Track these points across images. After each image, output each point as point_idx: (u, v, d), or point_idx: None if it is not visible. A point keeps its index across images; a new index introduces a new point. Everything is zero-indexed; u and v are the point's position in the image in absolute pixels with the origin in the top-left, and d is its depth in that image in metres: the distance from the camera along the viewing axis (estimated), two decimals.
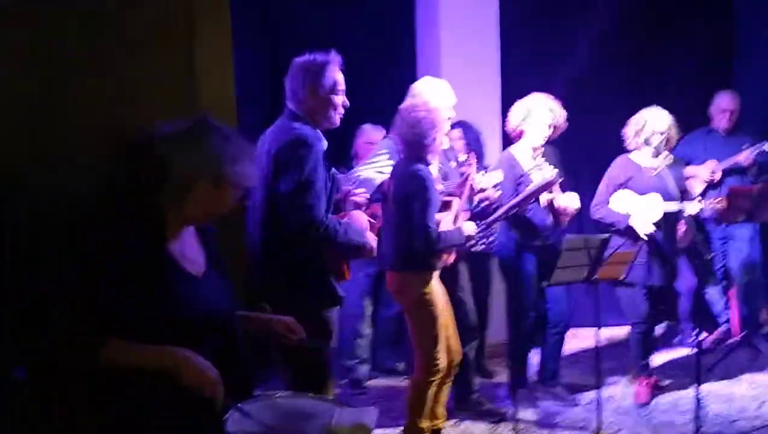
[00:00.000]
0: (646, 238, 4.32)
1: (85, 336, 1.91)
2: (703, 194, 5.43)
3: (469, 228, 3.64)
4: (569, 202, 4.28)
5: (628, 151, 4.64)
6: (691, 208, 4.49)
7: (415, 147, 3.58)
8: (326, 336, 3.01)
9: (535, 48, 5.73)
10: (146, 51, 2.42)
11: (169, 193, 2.01)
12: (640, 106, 4.63)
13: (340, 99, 3.12)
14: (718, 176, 5.40)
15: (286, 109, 3.11)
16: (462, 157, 4.11)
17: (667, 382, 4.84)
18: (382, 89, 4.86)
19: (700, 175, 5.46)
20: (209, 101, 2.51)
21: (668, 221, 4.46)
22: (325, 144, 3.08)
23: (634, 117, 4.57)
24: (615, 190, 4.52)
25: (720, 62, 6.39)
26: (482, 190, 4.06)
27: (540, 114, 4.27)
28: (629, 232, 4.36)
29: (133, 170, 2.09)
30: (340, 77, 3.12)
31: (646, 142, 4.49)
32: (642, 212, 4.37)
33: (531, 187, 4.00)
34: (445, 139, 3.75)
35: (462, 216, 3.78)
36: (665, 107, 4.59)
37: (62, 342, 1.95)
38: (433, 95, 3.89)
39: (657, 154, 4.54)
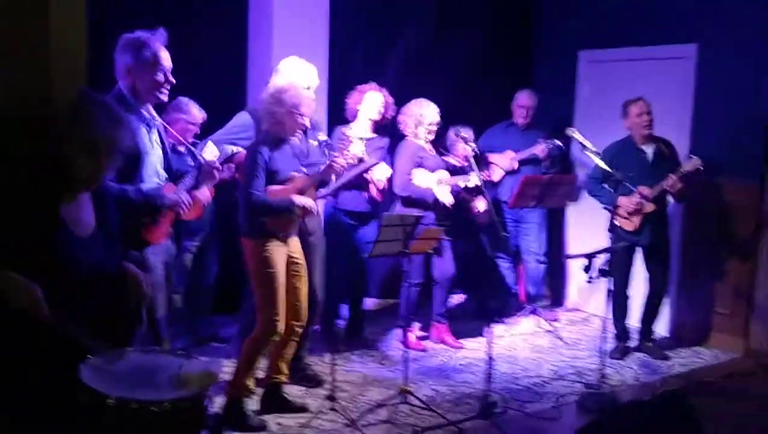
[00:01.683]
0: (449, 205, 5.01)
1: None
2: (501, 180, 6.11)
3: (302, 199, 3.88)
4: (382, 173, 4.81)
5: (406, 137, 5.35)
6: (473, 180, 5.18)
7: (272, 123, 3.82)
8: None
9: (361, 41, 6.03)
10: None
11: (56, 166, 2.13)
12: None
13: (162, 77, 3.27)
14: (516, 165, 6.06)
15: (116, 85, 3.23)
16: (322, 137, 4.36)
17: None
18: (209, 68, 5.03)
19: (501, 163, 6.09)
20: (61, 62, 2.53)
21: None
22: (143, 116, 3.28)
23: (407, 108, 5.29)
24: (411, 169, 5.21)
25: (520, 63, 7.05)
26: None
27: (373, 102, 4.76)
28: (436, 203, 5.05)
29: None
30: (164, 54, 3.27)
31: (420, 132, 5.25)
32: (434, 186, 5.19)
33: (362, 166, 4.32)
34: (306, 120, 3.97)
35: (310, 191, 4.00)
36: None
37: None
38: (296, 75, 4.15)
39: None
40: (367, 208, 5.20)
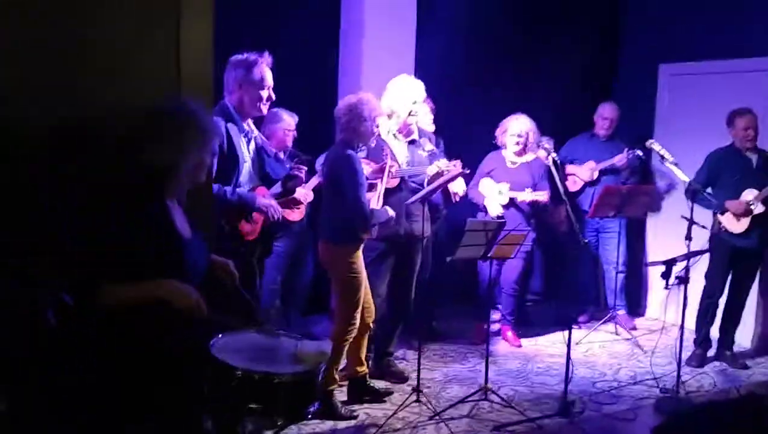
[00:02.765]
0: (496, 217, 5.28)
1: (87, 279, 2.25)
2: (581, 190, 6.28)
3: (391, 210, 4.20)
4: (459, 186, 5.09)
5: (500, 148, 5.70)
6: (522, 196, 5.47)
7: (351, 135, 4.12)
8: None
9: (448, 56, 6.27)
10: (133, 22, 2.69)
11: (165, 168, 2.39)
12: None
13: (266, 93, 3.68)
14: (595, 175, 6.23)
15: (221, 100, 3.64)
16: (429, 147, 4.75)
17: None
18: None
19: (580, 174, 6.27)
20: (189, 76, 2.82)
21: (515, 204, 5.55)
22: (243, 128, 3.66)
23: (502, 122, 5.62)
24: (481, 177, 5.59)
25: (602, 77, 7.20)
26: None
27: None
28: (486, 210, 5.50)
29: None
30: (268, 74, 3.67)
31: (507, 142, 5.57)
32: (493, 196, 5.49)
33: (446, 177, 4.59)
34: (415, 130, 4.46)
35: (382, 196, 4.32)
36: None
37: (70, 285, 2.28)
38: (396, 91, 4.61)
39: (521, 153, 5.58)
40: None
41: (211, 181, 3.17)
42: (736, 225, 5.28)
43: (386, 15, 5.54)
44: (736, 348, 5.68)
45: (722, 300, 5.53)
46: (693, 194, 4.94)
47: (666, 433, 3.86)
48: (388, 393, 4.51)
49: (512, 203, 5.52)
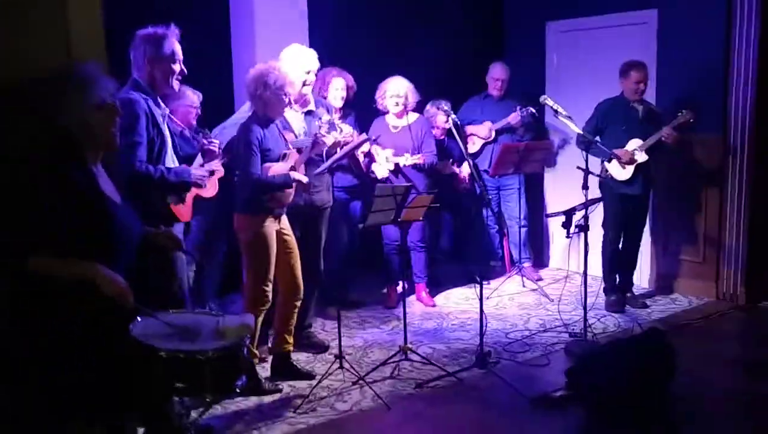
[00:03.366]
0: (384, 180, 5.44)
1: (16, 247, 2.27)
2: (480, 151, 6.45)
3: (298, 175, 4.16)
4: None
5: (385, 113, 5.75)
6: (402, 160, 5.60)
7: (259, 105, 4.09)
8: None
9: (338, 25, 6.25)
10: None
11: (75, 128, 2.40)
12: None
13: (177, 67, 3.54)
14: (492, 134, 6.40)
15: (131, 77, 3.50)
16: (325, 117, 4.65)
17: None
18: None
19: (479, 133, 6.43)
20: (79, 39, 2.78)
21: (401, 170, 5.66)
22: (159, 105, 3.51)
23: (380, 85, 5.66)
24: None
25: (491, 39, 7.35)
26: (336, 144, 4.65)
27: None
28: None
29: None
30: (178, 47, 3.55)
31: (388, 104, 5.62)
32: (381, 162, 5.56)
33: (350, 146, 4.61)
34: (311, 100, 4.35)
35: (301, 168, 4.28)
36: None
37: None
38: (297, 60, 4.51)
39: (401, 114, 5.66)
40: (354, 182, 5.58)
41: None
42: (621, 173, 5.55)
43: None
44: (635, 290, 6.01)
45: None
46: (587, 145, 5.17)
47: (578, 373, 4.12)
48: (311, 375, 4.48)
49: (398, 168, 5.61)
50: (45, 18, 2.74)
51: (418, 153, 5.61)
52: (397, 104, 5.59)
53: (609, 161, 5.54)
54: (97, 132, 2.45)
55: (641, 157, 5.48)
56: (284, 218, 4.34)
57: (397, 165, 5.60)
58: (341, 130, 4.73)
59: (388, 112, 5.71)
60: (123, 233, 2.44)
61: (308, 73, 4.57)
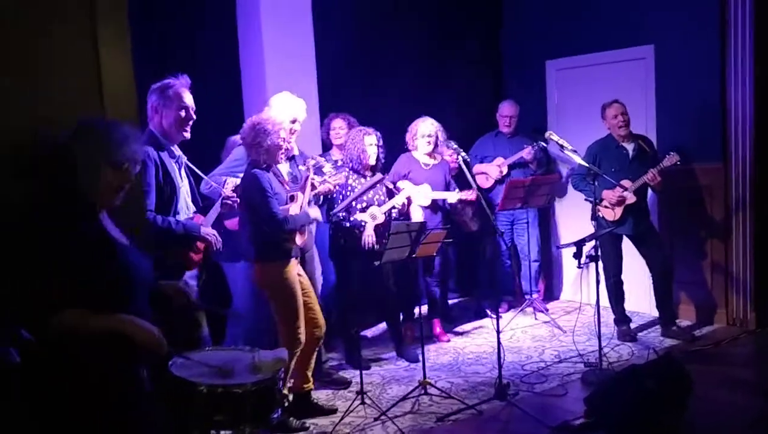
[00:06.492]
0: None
1: (38, 308, 2.23)
2: (493, 187, 6.59)
3: (314, 212, 4.29)
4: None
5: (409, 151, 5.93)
6: (451, 197, 5.73)
7: (260, 152, 4.19)
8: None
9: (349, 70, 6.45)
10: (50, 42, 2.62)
11: (84, 182, 2.40)
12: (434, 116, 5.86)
13: (184, 114, 3.68)
14: (505, 170, 6.55)
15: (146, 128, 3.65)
16: (311, 162, 4.70)
17: None
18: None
19: (490, 172, 6.58)
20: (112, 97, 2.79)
21: (437, 204, 5.79)
22: (173, 155, 3.67)
23: (410, 126, 5.87)
24: (399, 180, 5.71)
25: (494, 80, 7.59)
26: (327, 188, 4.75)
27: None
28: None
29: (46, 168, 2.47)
30: (186, 95, 3.70)
31: (419, 144, 5.80)
32: (417, 197, 5.61)
33: (367, 184, 4.73)
34: (294, 147, 4.35)
35: (307, 206, 4.39)
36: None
37: (20, 315, 2.25)
38: (285, 109, 4.60)
39: (431, 154, 5.83)
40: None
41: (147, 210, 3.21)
42: (610, 214, 5.68)
43: (282, 28, 5.68)
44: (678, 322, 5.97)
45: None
46: (580, 185, 5.30)
47: (597, 400, 4.18)
48: (332, 410, 4.56)
49: (432, 203, 5.72)
50: (78, 65, 2.73)
51: (448, 189, 5.80)
52: (429, 143, 5.78)
53: (598, 202, 5.63)
54: (102, 191, 2.43)
55: (630, 199, 5.60)
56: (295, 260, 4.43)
57: (434, 201, 5.72)
58: (330, 174, 4.82)
59: (415, 149, 5.87)
60: (135, 271, 2.44)
61: (293, 122, 4.66)
